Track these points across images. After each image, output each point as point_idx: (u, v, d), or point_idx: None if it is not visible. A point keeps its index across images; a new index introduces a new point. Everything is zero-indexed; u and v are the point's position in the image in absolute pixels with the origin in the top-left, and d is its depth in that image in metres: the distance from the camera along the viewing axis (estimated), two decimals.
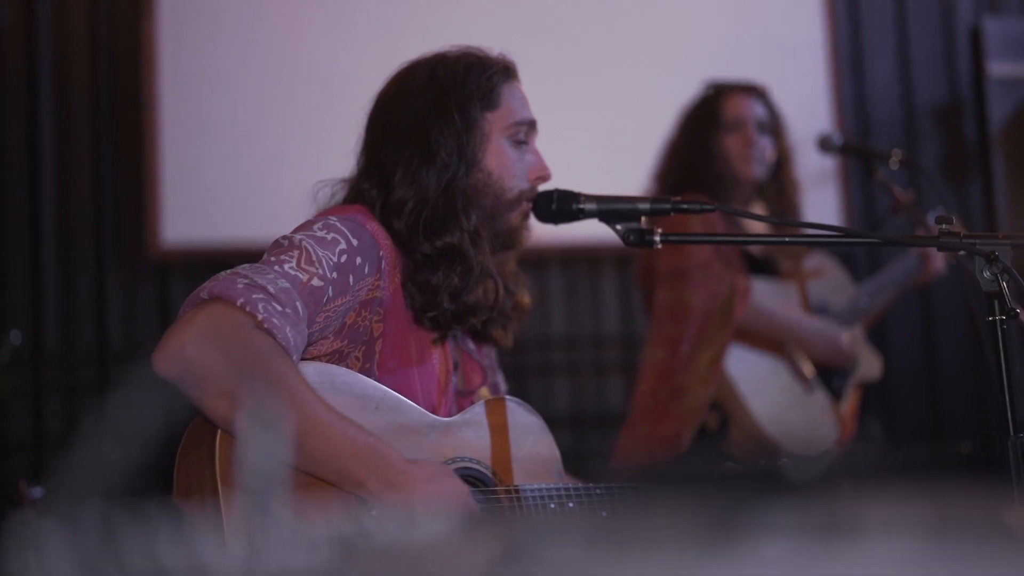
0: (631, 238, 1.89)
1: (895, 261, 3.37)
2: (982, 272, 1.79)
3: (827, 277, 3.36)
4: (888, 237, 2.11)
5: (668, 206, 1.90)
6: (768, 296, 3.12)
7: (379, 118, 1.99)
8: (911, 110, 4.93)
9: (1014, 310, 1.76)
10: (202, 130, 4.34)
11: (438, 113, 1.92)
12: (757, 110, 3.23)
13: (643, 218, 1.92)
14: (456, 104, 1.92)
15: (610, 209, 1.89)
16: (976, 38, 4.94)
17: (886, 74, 4.94)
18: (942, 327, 4.80)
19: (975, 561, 0.47)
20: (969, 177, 4.92)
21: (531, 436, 1.94)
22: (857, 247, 4.51)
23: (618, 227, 1.90)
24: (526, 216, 2.00)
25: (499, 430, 1.90)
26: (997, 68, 4.87)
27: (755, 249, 3.25)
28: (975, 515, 0.51)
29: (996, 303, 1.79)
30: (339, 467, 1.66)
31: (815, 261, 3.36)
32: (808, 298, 3.28)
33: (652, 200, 1.90)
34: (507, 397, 1.96)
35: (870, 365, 3.36)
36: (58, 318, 4.24)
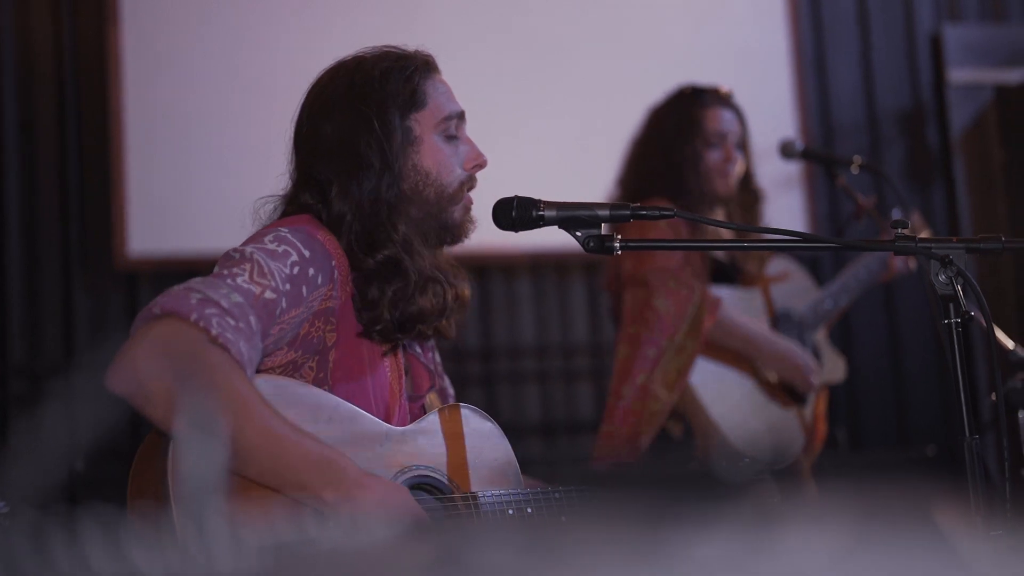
0: (591, 244, 1.89)
1: (858, 260, 3.38)
2: (937, 275, 1.81)
3: (790, 281, 3.37)
4: (845, 242, 2.13)
5: (627, 212, 1.91)
6: (735, 308, 3.12)
7: (306, 132, 1.99)
8: (874, 116, 4.98)
9: (968, 313, 1.78)
10: (168, 140, 4.32)
11: (360, 124, 1.93)
12: (734, 123, 3.23)
13: (604, 224, 1.92)
14: (376, 112, 1.93)
15: (570, 216, 1.90)
16: (936, 45, 5.00)
17: (849, 81, 4.98)
18: (906, 332, 4.84)
19: (897, 556, 0.48)
20: (932, 182, 4.97)
21: (488, 442, 1.95)
22: (821, 251, 4.55)
23: (578, 233, 1.90)
24: (469, 209, 2.01)
25: (454, 438, 1.91)
26: (957, 75, 4.92)
27: (720, 255, 3.25)
28: (901, 512, 0.52)
29: (951, 306, 1.81)
30: (295, 479, 1.67)
31: (779, 266, 3.37)
32: (772, 303, 3.29)
33: (612, 207, 1.91)
34: (462, 405, 1.97)
35: (834, 367, 3.37)
36: (24, 329, 4.21)
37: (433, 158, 1.96)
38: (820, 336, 3.34)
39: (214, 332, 1.63)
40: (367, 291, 1.88)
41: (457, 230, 2.00)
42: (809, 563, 0.47)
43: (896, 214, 3.33)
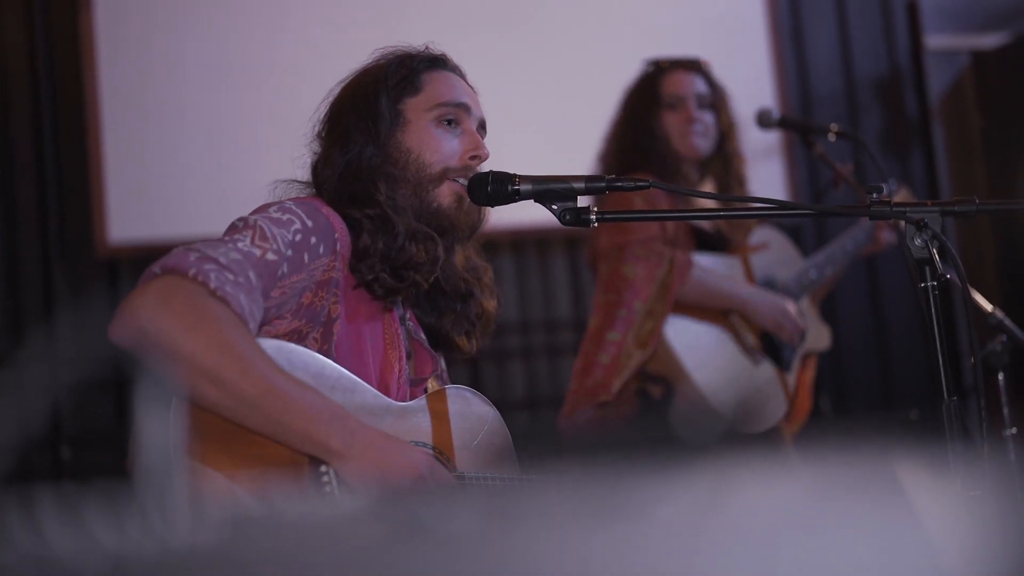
0: (567, 217, 1.89)
1: (845, 232, 3.40)
2: (913, 239, 1.82)
3: (773, 250, 3.38)
4: (821, 208, 2.13)
5: (603, 184, 1.91)
6: (711, 269, 3.15)
7: (326, 108, 2.07)
8: (852, 84, 4.98)
9: (944, 276, 1.79)
10: (146, 126, 4.30)
11: (352, 105, 2.02)
12: (697, 85, 3.26)
13: (580, 198, 1.92)
14: (370, 94, 2.01)
15: (545, 189, 1.90)
16: (913, 11, 5.00)
17: (826, 49, 4.98)
18: (889, 297, 4.86)
19: (854, 512, 0.49)
20: (910, 149, 4.98)
21: (484, 426, 1.96)
22: (802, 220, 4.56)
23: (554, 207, 1.90)
24: (459, 197, 2.00)
25: (439, 416, 1.92)
26: (934, 41, 4.93)
27: (705, 225, 3.27)
28: (862, 471, 0.53)
29: (927, 269, 1.82)
30: (301, 428, 1.68)
31: (760, 235, 3.39)
32: (752, 272, 3.31)
33: (587, 179, 1.90)
34: (450, 387, 1.98)
35: (819, 336, 3.38)
36: (5, 318, 4.20)
37: (418, 138, 1.99)
38: (805, 305, 3.35)
39: (212, 285, 1.66)
40: (357, 242, 1.92)
41: (442, 215, 1.99)
42: (765, 519, 0.48)
43: (888, 182, 3.35)
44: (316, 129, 2.07)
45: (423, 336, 2.09)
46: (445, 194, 1.99)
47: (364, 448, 1.71)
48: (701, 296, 3.10)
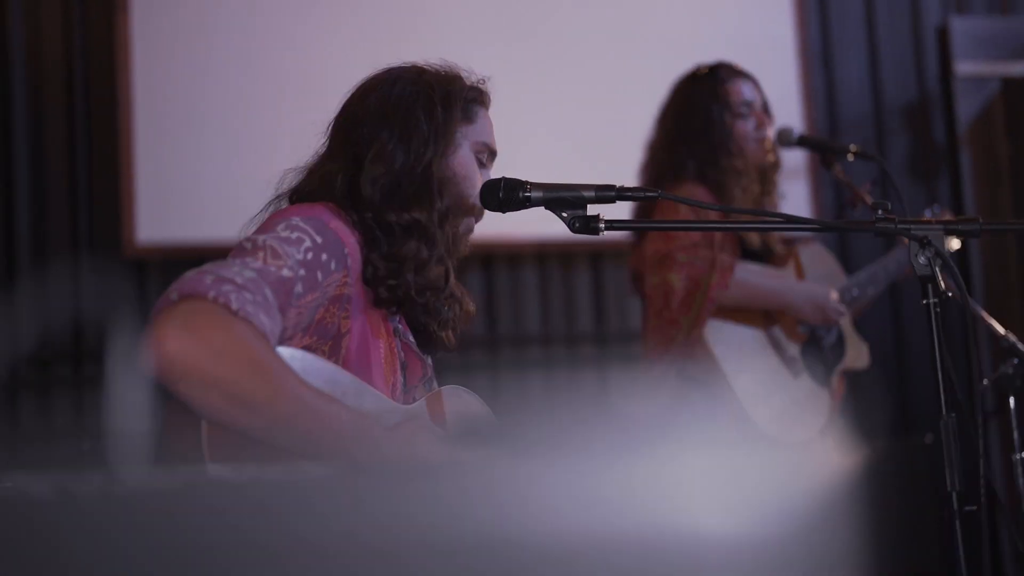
0: (576, 225, 1.93)
1: (889, 253, 3.39)
2: (916, 257, 1.84)
3: (819, 266, 3.37)
4: (828, 223, 2.16)
5: (613, 194, 1.95)
6: (753, 268, 3.14)
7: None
8: (880, 108, 4.98)
9: (945, 293, 1.81)
10: (177, 128, 4.36)
11: (423, 103, 1.97)
12: (757, 92, 3.29)
13: (589, 205, 1.95)
14: (441, 100, 1.98)
15: (556, 197, 1.93)
16: (943, 37, 5.00)
17: (855, 73, 4.99)
18: (910, 321, 4.84)
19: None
20: (938, 174, 4.98)
21: (479, 423, 1.99)
22: (827, 238, 4.56)
23: (564, 214, 1.94)
24: (470, 230, 2.06)
25: (438, 417, 1.96)
26: (964, 67, 4.92)
27: (752, 239, 3.24)
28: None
29: (930, 287, 1.84)
30: (332, 446, 1.69)
31: (809, 252, 3.38)
32: (804, 275, 3.29)
33: (597, 188, 1.94)
34: (447, 387, 2.02)
35: (858, 354, 3.36)
36: (33, 317, 4.26)
37: (463, 166, 2.01)
38: (844, 322, 3.33)
39: (234, 306, 1.64)
40: (397, 248, 1.91)
41: (460, 252, 2.04)
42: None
43: (936, 209, 3.36)
44: (351, 110, 2.02)
45: (411, 339, 2.09)
46: (465, 228, 2.03)
47: (389, 459, 1.73)
48: (744, 297, 3.09)
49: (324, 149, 2.05)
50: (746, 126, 3.22)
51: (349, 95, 2.06)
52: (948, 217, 3.49)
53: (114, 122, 4.33)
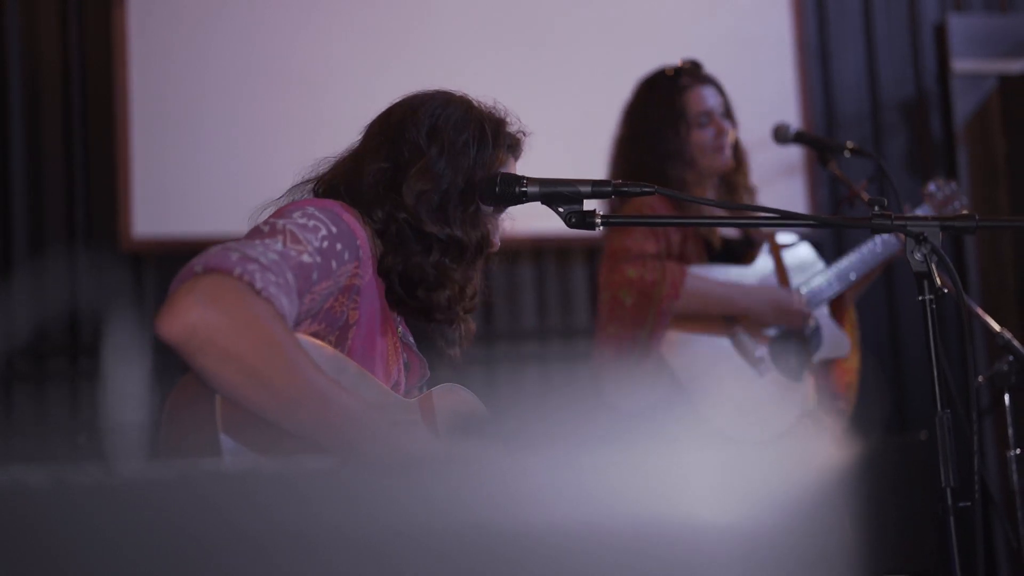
0: (573, 220, 1.93)
1: (871, 238, 3.36)
2: (912, 253, 1.84)
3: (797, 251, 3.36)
4: (823, 219, 2.17)
5: (609, 189, 1.95)
6: (704, 276, 3.12)
7: (406, 113, 2.03)
8: (877, 105, 4.99)
9: (941, 290, 1.81)
10: (173, 122, 4.36)
11: (474, 133, 2.01)
12: (715, 96, 3.25)
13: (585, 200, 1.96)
14: (491, 128, 2.02)
15: (552, 192, 1.94)
16: (941, 35, 5.01)
17: (853, 69, 5.00)
18: (906, 318, 4.85)
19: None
20: (935, 172, 4.98)
21: (473, 420, 2.00)
22: (823, 233, 4.56)
23: (560, 209, 1.94)
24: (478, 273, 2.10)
25: (429, 413, 1.97)
26: (961, 64, 4.93)
27: (728, 234, 3.23)
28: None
29: (925, 283, 1.84)
30: (338, 434, 1.70)
31: (784, 237, 3.37)
32: (787, 273, 3.28)
33: (593, 183, 1.95)
34: (443, 385, 2.03)
35: (838, 344, 3.34)
36: (29, 310, 4.26)
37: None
38: (821, 313, 3.33)
39: (258, 286, 1.65)
40: (429, 255, 1.95)
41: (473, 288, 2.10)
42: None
43: (921, 210, 3.35)
44: (403, 115, 2.03)
45: (412, 340, 2.12)
46: (479, 266, 2.06)
47: (387, 454, 1.72)
48: (698, 305, 3.07)
49: (358, 147, 2.05)
50: (703, 136, 3.19)
51: (396, 103, 2.07)
52: (955, 189, 3.47)
53: (111, 116, 4.33)
